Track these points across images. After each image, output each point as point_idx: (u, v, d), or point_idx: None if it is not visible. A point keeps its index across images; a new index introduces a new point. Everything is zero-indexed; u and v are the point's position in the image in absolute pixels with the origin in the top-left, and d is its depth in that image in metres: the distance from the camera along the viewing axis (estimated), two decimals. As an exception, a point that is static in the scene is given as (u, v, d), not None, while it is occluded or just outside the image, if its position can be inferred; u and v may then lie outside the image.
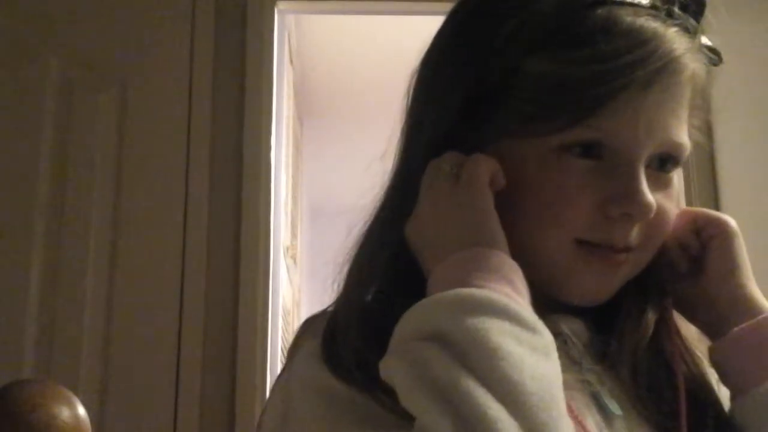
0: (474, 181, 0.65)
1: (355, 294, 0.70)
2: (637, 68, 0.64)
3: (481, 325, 0.55)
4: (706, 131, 0.73)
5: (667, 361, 0.71)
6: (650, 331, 0.71)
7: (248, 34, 2.53)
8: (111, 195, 2.39)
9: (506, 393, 0.53)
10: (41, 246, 2.34)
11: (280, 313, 2.52)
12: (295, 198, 3.51)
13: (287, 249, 2.89)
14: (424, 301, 0.59)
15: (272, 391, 0.71)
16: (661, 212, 0.67)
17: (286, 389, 0.66)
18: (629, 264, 0.69)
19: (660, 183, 0.68)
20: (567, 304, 0.70)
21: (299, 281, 3.74)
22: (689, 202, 2.44)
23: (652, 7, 0.67)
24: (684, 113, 0.68)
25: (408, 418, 0.55)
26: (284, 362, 0.72)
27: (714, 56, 0.70)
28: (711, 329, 0.72)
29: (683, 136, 0.68)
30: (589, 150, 0.66)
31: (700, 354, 0.73)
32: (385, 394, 0.59)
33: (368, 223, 0.74)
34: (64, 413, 1.04)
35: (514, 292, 0.60)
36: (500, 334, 0.55)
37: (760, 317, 0.69)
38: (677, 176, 0.72)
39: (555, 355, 0.58)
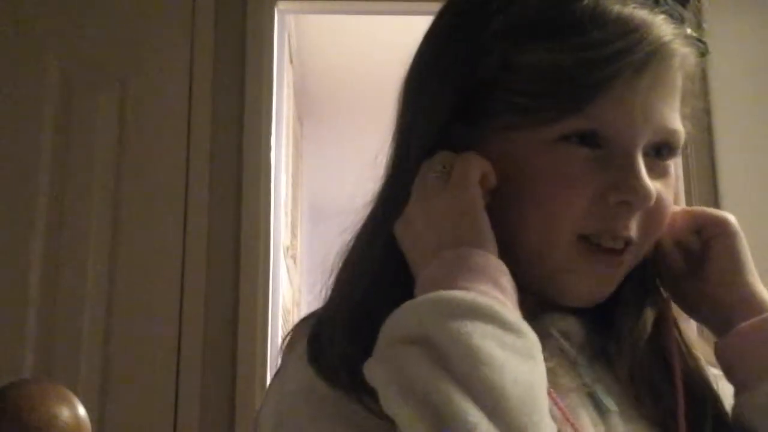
0: (463, 181, 0.65)
1: (344, 293, 0.70)
2: (627, 55, 0.64)
3: (464, 328, 0.55)
4: (698, 121, 0.73)
5: (665, 358, 0.71)
6: (649, 328, 0.71)
7: (248, 34, 2.53)
8: (111, 195, 2.40)
9: (487, 397, 0.53)
10: (41, 246, 2.34)
11: (280, 313, 2.52)
12: (295, 198, 3.51)
13: (287, 249, 2.89)
14: (408, 303, 0.59)
15: (269, 389, 0.71)
16: (659, 201, 0.67)
17: (280, 393, 0.66)
18: (628, 260, 0.69)
19: (658, 171, 0.68)
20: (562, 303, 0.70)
21: (299, 281, 3.74)
22: (689, 201, 2.44)
23: None
24: (676, 100, 0.68)
25: (391, 421, 0.55)
26: (279, 363, 0.72)
27: (702, 45, 0.70)
28: (716, 327, 0.71)
29: (677, 122, 0.68)
30: (586, 140, 0.66)
31: (698, 353, 0.73)
32: (369, 396, 0.59)
33: (360, 223, 0.74)
34: (64, 413, 1.04)
35: (498, 293, 0.59)
36: (483, 338, 0.55)
37: (767, 314, 0.69)
38: (673, 166, 0.71)
39: (540, 356, 0.58)
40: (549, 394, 0.60)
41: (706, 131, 2.37)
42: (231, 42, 2.52)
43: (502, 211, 0.67)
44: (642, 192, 0.65)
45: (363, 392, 0.60)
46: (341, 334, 0.64)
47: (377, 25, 3.53)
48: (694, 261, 0.73)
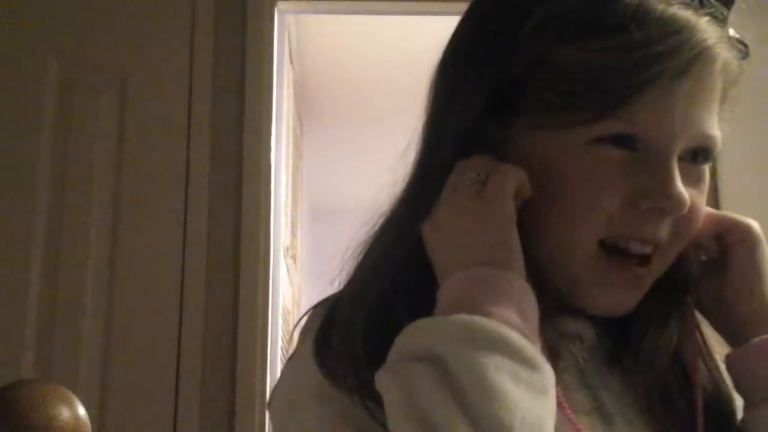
0: (498, 195, 0.63)
1: (361, 294, 0.67)
2: (669, 57, 0.62)
3: (481, 359, 0.55)
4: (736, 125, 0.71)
5: (684, 367, 0.69)
6: (675, 342, 0.69)
7: (248, 34, 2.53)
8: (111, 195, 2.39)
9: None
10: (41, 246, 2.34)
11: (280, 313, 2.52)
12: (295, 198, 3.51)
13: (287, 249, 2.88)
14: (428, 320, 0.58)
15: (284, 370, 0.70)
16: (692, 208, 0.65)
17: (294, 379, 0.66)
18: (656, 264, 0.67)
19: (692, 177, 0.66)
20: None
21: (299, 281, 3.74)
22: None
23: None
24: (716, 105, 0.66)
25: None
26: (297, 342, 0.70)
27: (744, 48, 0.68)
28: (729, 335, 0.70)
29: (715, 128, 0.66)
30: (621, 142, 0.64)
31: (718, 360, 0.72)
32: (375, 403, 0.59)
33: (383, 220, 0.71)
34: (64, 413, 1.04)
35: (520, 320, 0.58)
36: (498, 371, 0.55)
37: None
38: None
39: (553, 391, 0.57)
40: (559, 404, 0.59)
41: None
42: (231, 42, 2.52)
43: (526, 212, 0.65)
44: (676, 199, 0.63)
45: (369, 398, 0.60)
46: (353, 337, 0.63)
47: (377, 25, 3.53)
48: (714, 266, 0.71)
